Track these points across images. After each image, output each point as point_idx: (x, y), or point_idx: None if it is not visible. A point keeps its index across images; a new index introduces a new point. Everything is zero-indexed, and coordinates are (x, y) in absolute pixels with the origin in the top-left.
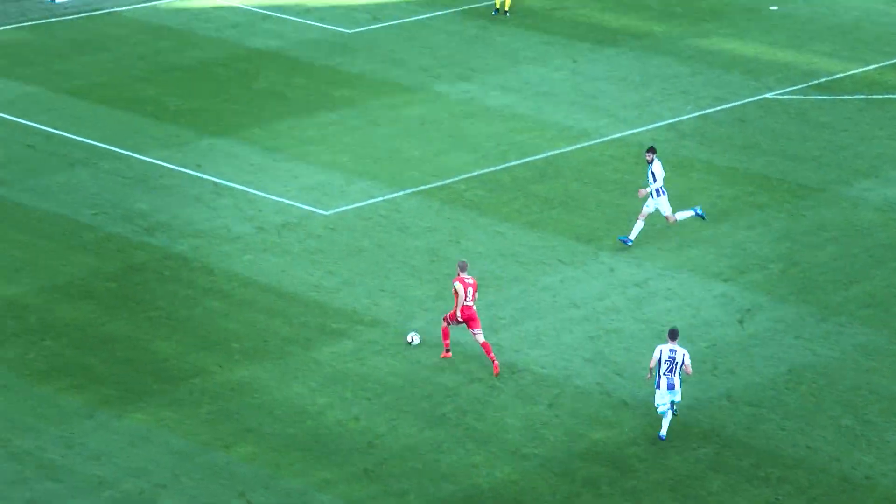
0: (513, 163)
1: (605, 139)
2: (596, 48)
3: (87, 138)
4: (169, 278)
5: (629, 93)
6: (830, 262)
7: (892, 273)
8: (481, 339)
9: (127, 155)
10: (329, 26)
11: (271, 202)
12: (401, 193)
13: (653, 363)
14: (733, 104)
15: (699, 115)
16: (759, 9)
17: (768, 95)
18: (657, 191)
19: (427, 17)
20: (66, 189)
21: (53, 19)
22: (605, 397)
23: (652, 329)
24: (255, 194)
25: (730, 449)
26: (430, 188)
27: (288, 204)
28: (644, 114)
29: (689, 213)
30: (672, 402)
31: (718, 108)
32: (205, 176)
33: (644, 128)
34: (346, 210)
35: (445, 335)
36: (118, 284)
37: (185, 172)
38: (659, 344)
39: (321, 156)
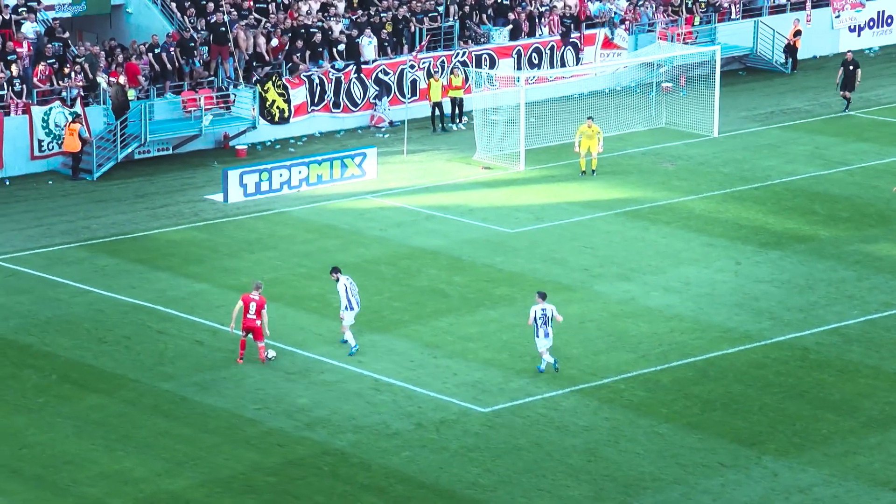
0: (673, 363)
1: (768, 342)
2: (760, 251)
3: None
4: (327, 473)
5: (793, 296)
6: None
7: None
8: (261, 344)
9: (291, 350)
10: (491, 226)
11: (430, 399)
12: (559, 392)
13: (531, 320)
14: None
15: (866, 320)
16: None
17: None
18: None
19: (588, 218)
20: (231, 384)
21: (225, 219)
22: None
23: None
24: (414, 390)
25: None
26: (589, 387)
27: (446, 401)
28: (809, 317)
29: (352, 341)
30: (555, 362)
31: (886, 313)
32: (365, 372)
33: (809, 331)
34: (504, 408)
35: (242, 346)
36: (278, 479)
37: (346, 368)
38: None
39: (480, 353)
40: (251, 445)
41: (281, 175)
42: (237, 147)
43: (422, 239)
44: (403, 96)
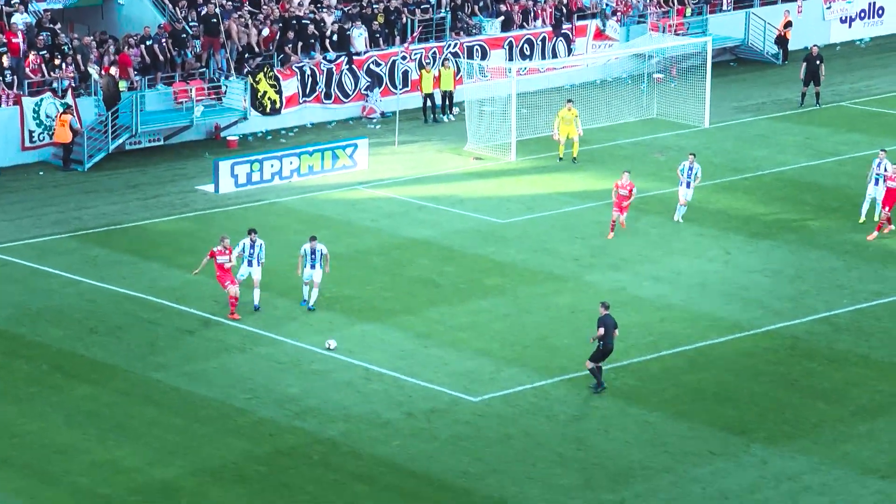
0: (664, 353)
1: (758, 331)
2: (750, 241)
3: (243, 324)
4: (318, 462)
5: (783, 285)
6: None
7: None
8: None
9: (281, 340)
10: (482, 216)
11: (421, 388)
12: (550, 381)
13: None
14: (891, 298)
15: (856, 309)
16: None
17: None
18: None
19: (579, 209)
20: (221, 373)
21: (216, 210)
22: None
23: None
24: (405, 380)
25: None
26: (579, 376)
27: (437, 390)
28: (798, 306)
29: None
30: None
31: (875, 302)
32: (356, 362)
33: (798, 320)
34: (494, 397)
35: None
36: (268, 468)
37: (337, 358)
38: None
39: (471, 342)
40: (242, 435)
41: (272, 166)
42: (228, 138)
43: (413, 229)
44: (395, 87)
